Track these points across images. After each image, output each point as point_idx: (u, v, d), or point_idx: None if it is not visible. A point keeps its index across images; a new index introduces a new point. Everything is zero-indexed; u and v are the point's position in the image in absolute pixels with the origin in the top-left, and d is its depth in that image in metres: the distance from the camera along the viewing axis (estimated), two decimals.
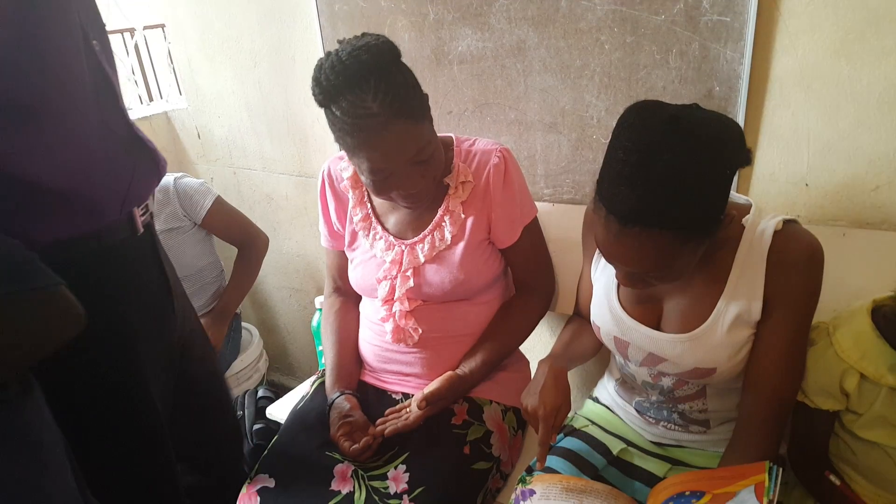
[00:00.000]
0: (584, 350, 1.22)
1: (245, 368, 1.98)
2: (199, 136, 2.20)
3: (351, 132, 1.07)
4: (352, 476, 1.17)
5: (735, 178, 1.21)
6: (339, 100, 1.05)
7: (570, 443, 1.18)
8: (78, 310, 0.86)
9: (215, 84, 2.03)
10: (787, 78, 1.12)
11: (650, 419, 1.15)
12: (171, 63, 2.20)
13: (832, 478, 0.95)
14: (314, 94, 1.08)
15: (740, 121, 1.17)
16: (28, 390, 0.86)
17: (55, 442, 0.89)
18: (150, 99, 2.47)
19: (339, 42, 1.10)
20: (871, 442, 0.98)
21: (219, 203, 1.87)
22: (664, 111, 0.82)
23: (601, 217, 0.87)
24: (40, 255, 0.86)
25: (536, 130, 1.43)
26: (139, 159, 1.06)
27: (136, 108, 2.33)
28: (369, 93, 1.03)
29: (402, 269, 1.26)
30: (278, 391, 1.71)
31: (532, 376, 1.44)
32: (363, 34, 1.10)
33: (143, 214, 1.08)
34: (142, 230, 1.08)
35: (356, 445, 1.17)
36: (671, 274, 0.91)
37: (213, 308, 1.91)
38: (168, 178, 1.83)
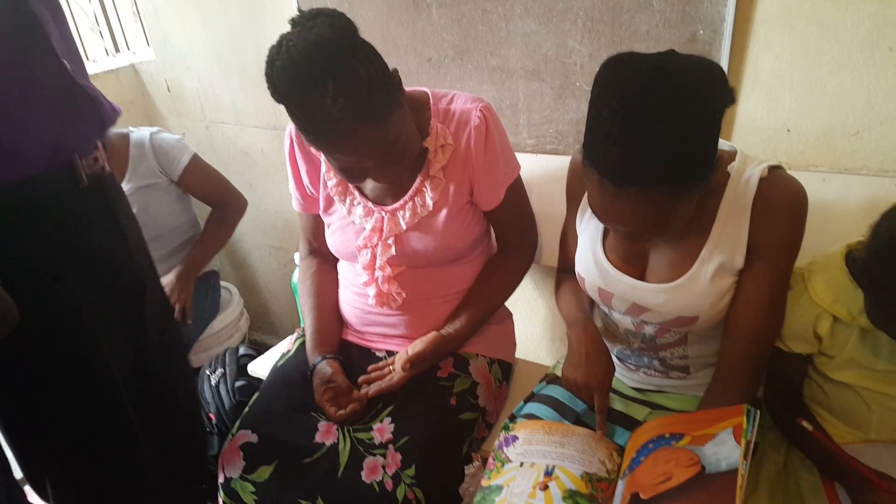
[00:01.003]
0: (589, 303, 1.22)
1: (226, 327, 1.96)
2: (168, 90, 2.13)
3: (314, 133, 1.02)
4: (336, 429, 1.17)
5: None
6: (296, 101, 0.98)
7: (552, 390, 1.20)
8: (12, 309, 0.84)
9: (184, 34, 1.96)
10: (772, 20, 1.10)
11: (631, 366, 1.17)
12: (138, 13, 2.11)
13: (805, 423, 0.97)
14: (269, 91, 1.00)
15: (724, 65, 1.15)
16: None
17: None
18: (117, 50, 2.38)
19: (292, 23, 1.00)
20: (843, 383, 1.00)
21: (196, 160, 1.83)
22: (644, 63, 0.80)
23: (594, 182, 0.85)
24: None
25: (518, 78, 1.40)
26: (75, 110, 1.01)
27: (101, 60, 2.24)
28: (328, 97, 0.95)
29: (384, 236, 1.22)
30: (260, 350, 1.71)
31: (514, 330, 1.46)
32: (318, 14, 1.00)
33: (90, 166, 1.03)
34: (86, 182, 1.02)
35: (342, 411, 1.16)
36: (671, 226, 0.89)
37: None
38: (144, 133, 1.79)
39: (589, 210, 1.11)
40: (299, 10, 1.01)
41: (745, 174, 0.94)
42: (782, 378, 1.09)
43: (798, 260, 0.98)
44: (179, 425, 1.35)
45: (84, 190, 1.03)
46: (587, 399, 1.08)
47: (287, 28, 1.00)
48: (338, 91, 0.95)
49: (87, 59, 2.31)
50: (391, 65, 1.04)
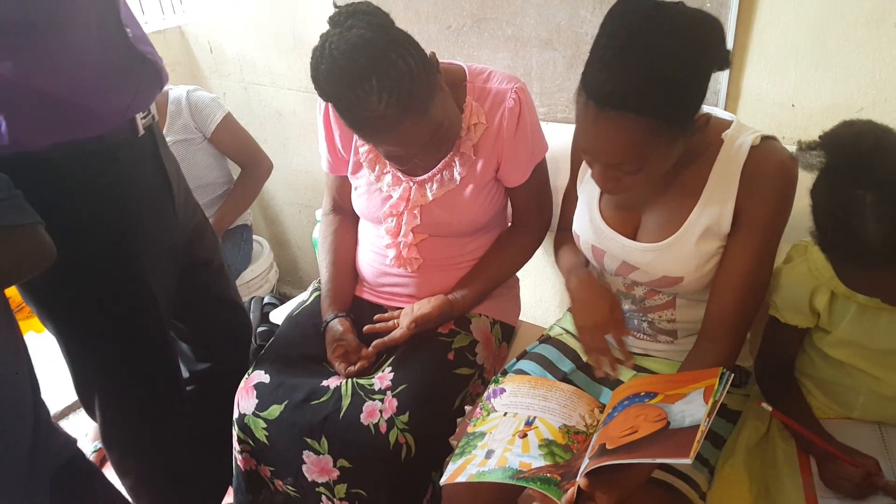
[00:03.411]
0: (585, 262, 1.25)
1: (255, 278, 2.08)
2: (211, 51, 2.22)
3: (360, 127, 1.07)
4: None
5: (723, 97, 1.22)
6: (343, 101, 1.03)
7: (543, 349, 1.25)
8: (50, 247, 0.96)
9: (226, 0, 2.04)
10: None
11: None
12: None
13: (764, 405, 0.96)
14: (317, 91, 1.05)
15: (730, 39, 1.16)
16: None
17: (13, 344, 0.99)
18: (163, 13, 2.47)
19: (330, 22, 1.04)
20: (837, 360, 1.01)
21: (229, 119, 1.92)
22: (649, 2, 0.84)
23: (581, 104, 0.90)
24: (48, 152, 1.00)
25: (532, 47, 1.43)
26: (141, 73, 1.15)
27: (152, 21, 2.34)
28: (373, 95, 0.99)
29: (410, 206, 1.27)
30: (284, 301, 1.81)
31: (520, 295, 1.50)
32: (354, 12, 1.03)
33: (144, 117, 1.18)
34: (142, 132, 1.18)
35: (351, 367, 1.23)
36: (645, 169, 0.92)
37: None
38: (181, 91, 1.88)
39: (590, 171, 1.14)
40: (335, 6, 1.05)
41: (738, 141, 0.96)
42: (774, 348, 1.10)
43: (798, 235, 0.99)
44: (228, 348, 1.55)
45: (140, 138, 1.19)
46: (601, 340, 1.09)
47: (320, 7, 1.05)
48: (382, 88, 0.99)
49: (143, 18, 2.42)
50: (413, 33, 1.07)
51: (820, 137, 0.84)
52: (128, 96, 1.12)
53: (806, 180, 0.94)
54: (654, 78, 0.82)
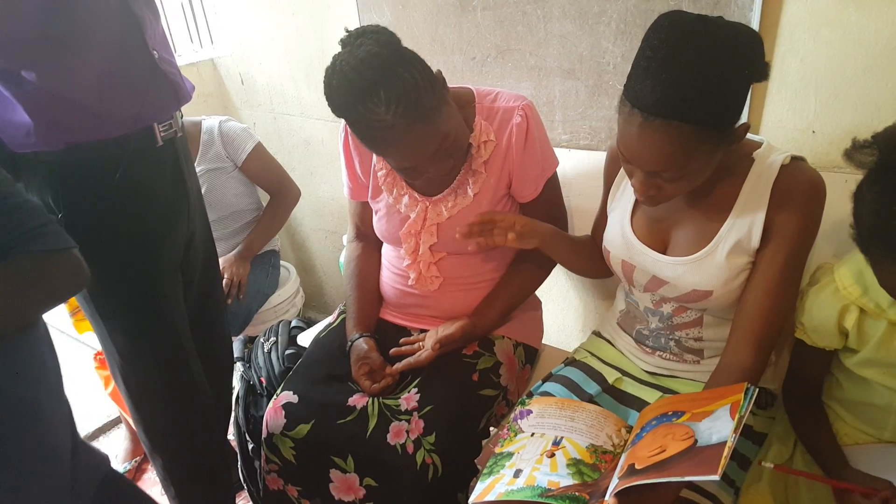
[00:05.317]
0: (574, 248, 1.29)
1: (282, 303, 2.12)
2: (242, 83, 2.30)
3: (370, 139, 1.12)
4: (368, 397, 1.27)
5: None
6: (352, 112, 1.07)
7: (569, 372, 1.26)
8: (85, 269, 1.02)
9: (258, 32, 2.12)
10: (797, 24, 1.13)
11: (647, 349, 1.22)
12: (216, 11, 2.29)
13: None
14: (329, 107, 1.11)
15: None
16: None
17: (55, 367, 1.03)
18: (192, 45, 2.56)
19: (341, 43, 1.10)
20: (865, 379, 1.01)
21: (259, 149, 1.98)
22: (692, 14, 0.88)
23: (625, 114, 0.92)
24: (72, 150, 1.14)
25: (555, 76, 1.47)
26: (156, 87, 1.24)
27: (185, 54, 2.43)
28: (381, 105, 1.03)
29: (427, 224, 1.31)
30: (310, 325, 1.84)
31: (543, 318, 1.52)
32: (363, 32, 1.09)
33: (165, 131, 1.27)
34: (161, 143, 1.27)
35: (376, 385, 1.26)
36: (686, 177, 0.94)
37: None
38: (214, 121, 1.95)
39: (621, 189, 1.19)
40: (346, 31, 1.12)
41: (769, 160, 1.00)
42: (801, 372, 1.11)
43: (822, 257, 1.03)
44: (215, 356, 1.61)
45: (159, 148, 1.26)
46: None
47: (344, 33, 1.12)
48: (389, 99, 1.04)
49: (176, 52, 2.51)
50: (439, 63, 1.14)
51: (874, 136, 0.86)
52: (135, 106, 1.20)
53: (833, 199, 0.97)
54: (698, 86, 0.85)
